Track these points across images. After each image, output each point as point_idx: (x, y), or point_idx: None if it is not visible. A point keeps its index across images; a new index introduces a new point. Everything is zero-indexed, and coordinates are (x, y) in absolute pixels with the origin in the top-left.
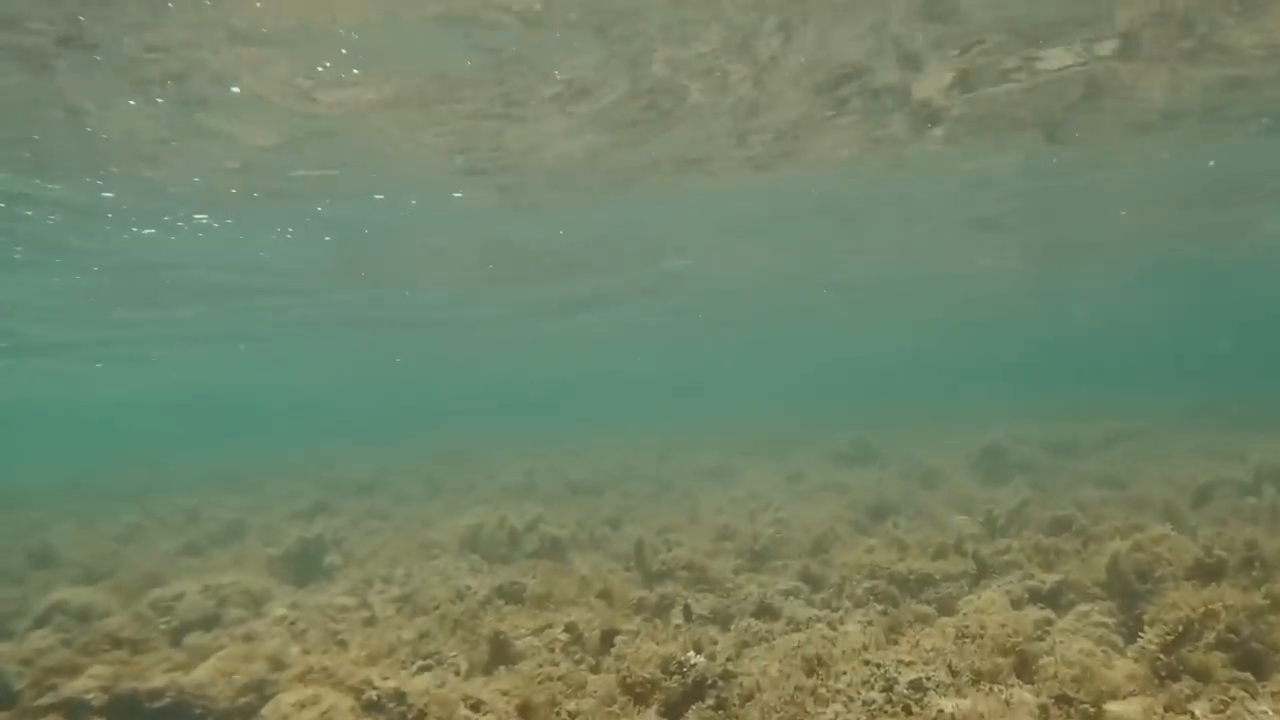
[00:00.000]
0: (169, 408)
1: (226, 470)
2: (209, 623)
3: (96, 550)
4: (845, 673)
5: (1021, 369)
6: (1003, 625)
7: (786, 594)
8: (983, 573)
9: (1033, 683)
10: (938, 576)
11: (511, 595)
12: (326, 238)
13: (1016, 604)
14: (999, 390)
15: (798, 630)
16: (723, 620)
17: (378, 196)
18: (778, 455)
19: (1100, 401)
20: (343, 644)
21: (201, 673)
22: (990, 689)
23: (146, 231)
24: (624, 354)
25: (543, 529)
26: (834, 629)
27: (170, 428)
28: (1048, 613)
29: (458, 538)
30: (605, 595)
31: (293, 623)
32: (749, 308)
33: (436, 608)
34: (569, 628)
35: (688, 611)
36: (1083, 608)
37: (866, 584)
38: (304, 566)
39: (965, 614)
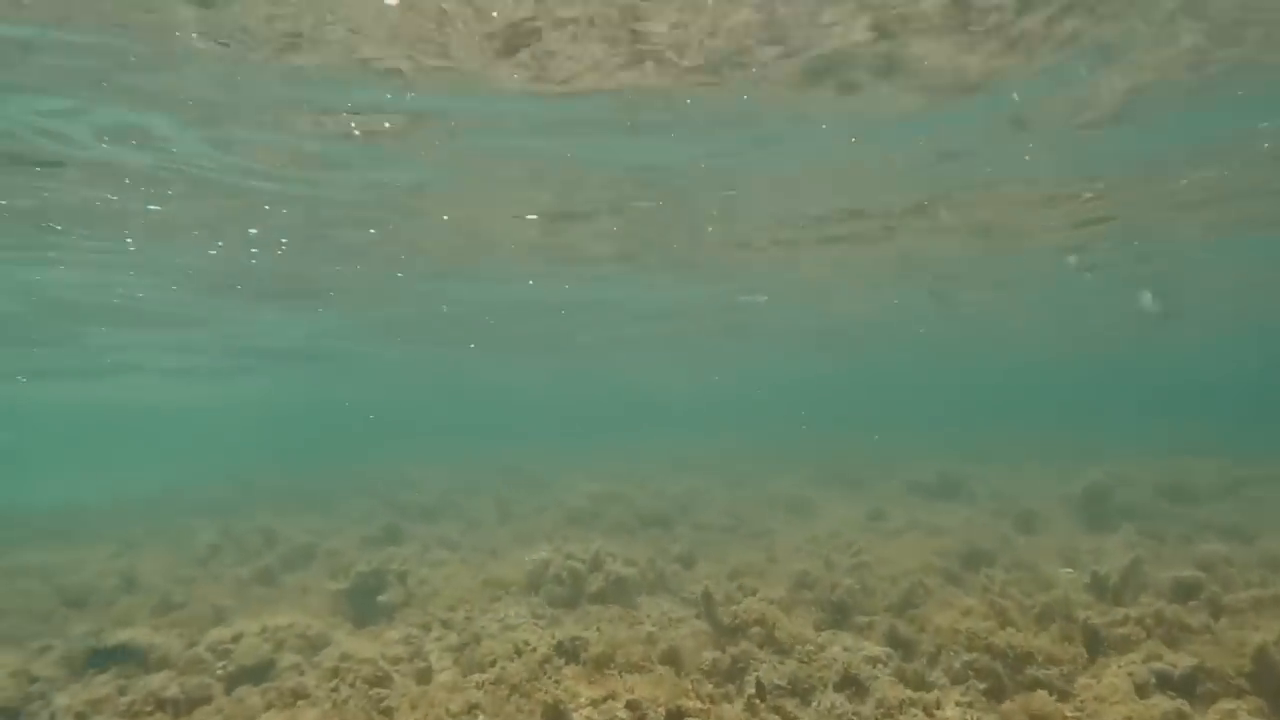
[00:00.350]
0: (255, 420)
1: (305, 486)
2: (263, 670)
3: (177, 574)
4: None
5: (1122, 399)
6: None
7: (874, 662)
8: (1096, 647)
9: None
10: (1045, 651)
11: (572, 653)
12: None
13: (1142, 690)
14: (1095, 420)
15: (889, 717)
16: (802, 693)
17: None
18: (856, 485)
19: (1212, 438)
20: (387, 714)
21: None
22: None
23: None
24: (701, 376)
25: (609, 567)
26: (931, 716)
27: (255, 440)
28: (1180, 703)
29: (523, 573)
30: (672, 657)
31: (335, 688)
32: (838, 337)
33: (493, 663)
34: (631, 705)
35: (761, 689)
36: (1226, 704)
37: (965, 657)
38: (366, 602)
39: (1082, 700)
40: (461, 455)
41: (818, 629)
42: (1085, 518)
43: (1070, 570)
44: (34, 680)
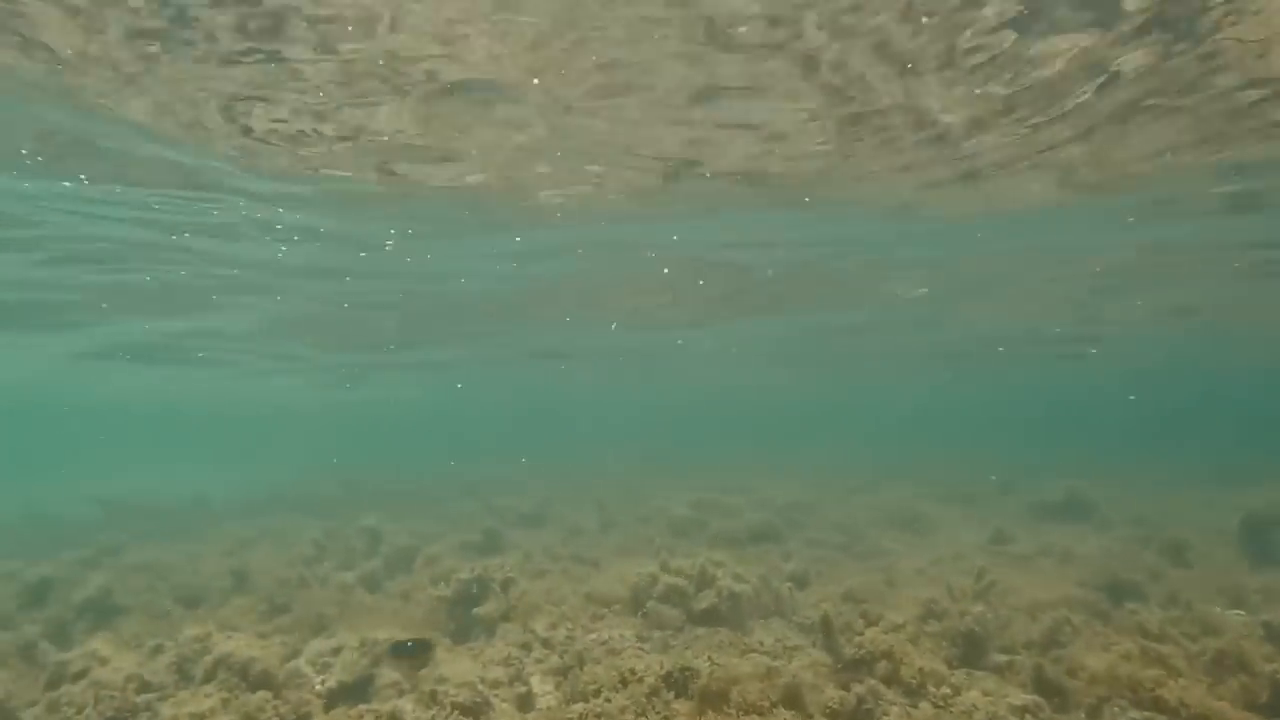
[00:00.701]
0: (364, 420)
1: (409, 487)
2: (361, 687)
3: (284, 575)
4: None
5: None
6: None
7: (1022, 713)
8: None
9: None
10: (1226, 715)
11: (681, 686)
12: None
13: None
14: (1247, 439)
15: None
16: None
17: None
18: (973, 503)
19: None
20: None
21: None
22: None
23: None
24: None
25: (721, 583)
26: None
27: (363, 439)
28: None
29: (627, 588)
30: (792, 696)
31: (434, 717)
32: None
33: (597, 693)
34: None
35: None
36: None
37: (1132, 714)
38: (466, 612)
39: None
40: (561, 460)
41: (949, 666)
42: (1247, 551)
43: (1240, 613)
44: (145, 687)
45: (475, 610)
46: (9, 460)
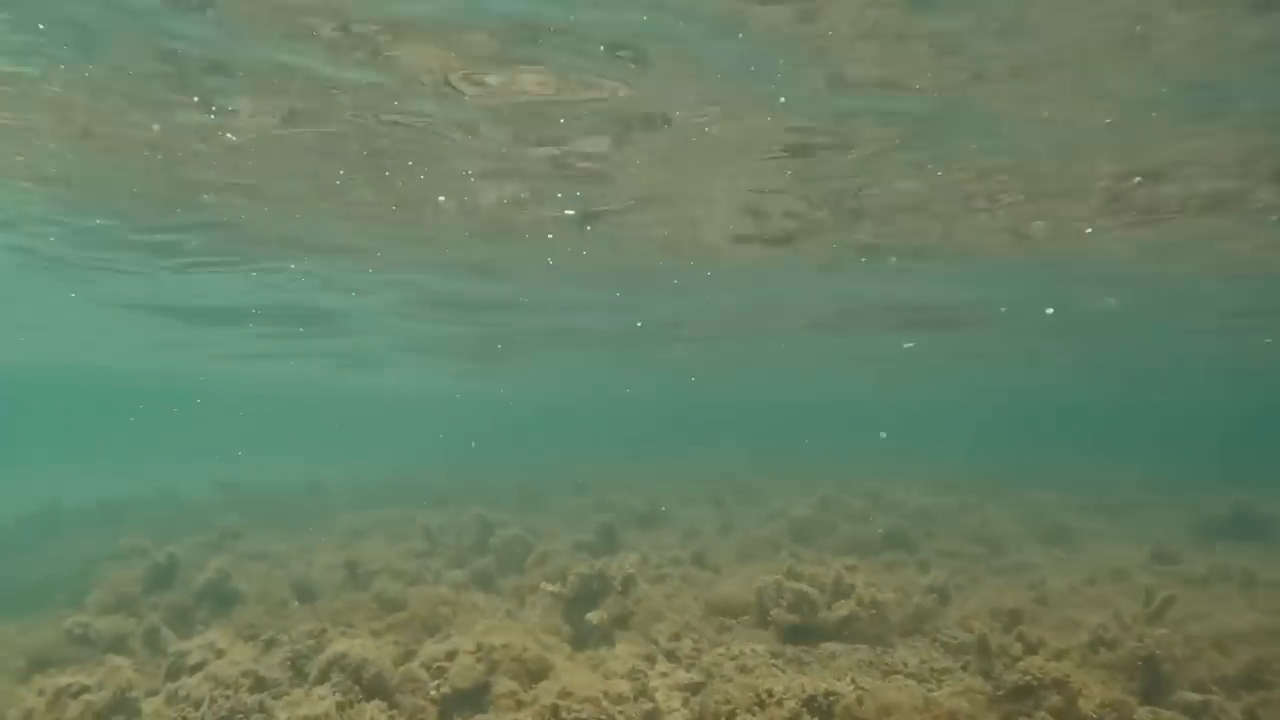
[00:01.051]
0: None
1: (524, 481)
2: (478, 694)
3: (396, 569)
4: None
5: None
6: None
7: None
8: None
9: None
10: None
11: (826, 712)
12: None
13: None
14: None
15: None
16: None
17: None
18: (1120, 515)
19: None
20: None
21: None
22: None
23: None
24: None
25: (858, 595)
26: None
27: (477, 431)
28: None
29: (752, 596)
30: None
31: None
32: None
33: (732, 715)
34: None
35: None
36: None
37: None
38: (582, 618)
39: None
40: (673, 457)
41: (1136, 704)
42: None
43: None
44: (259, 684)
45: (592, 615)
46: (145, 441)
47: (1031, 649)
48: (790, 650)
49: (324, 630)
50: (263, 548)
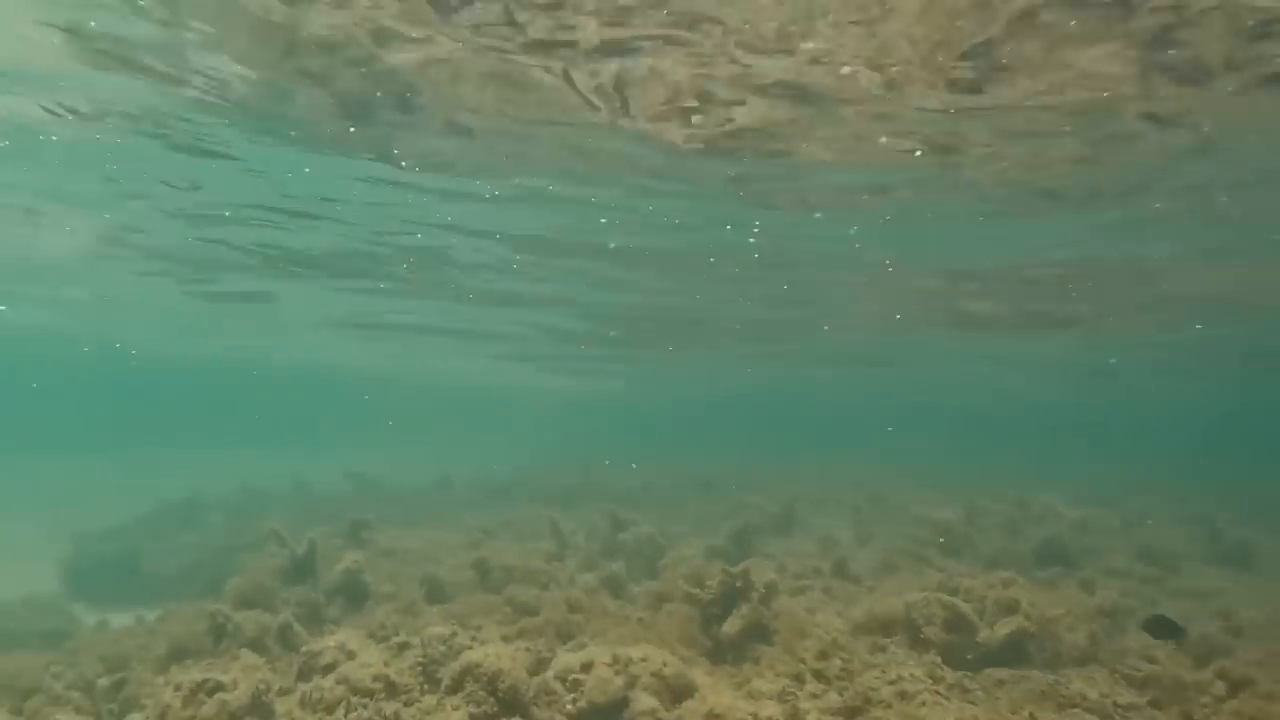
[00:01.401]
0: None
1: (652, 481)
2: (615, 711)
3: (526, 571)
4: None
5: None
6: None
7: None
8: None
9: None
10: None
11: None
12: None
13: None
14: None
15: None
16: None
17: None
18: None
19: None
20: None
21: None
22: None
23: None
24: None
25: (1025, 611)
26: None
27: (606, 428)
28: None
29: (903, 611)
30: None
31: None
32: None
33: None
34: None
35: None
36: None
37: None
38: (721, 630)
39: None
40: (801, 460)
41: None
42: None
43: None
44: (391, 689)
45: (730, 626)
46: (281, 432)
47: (1236, 688)
48: (950, 674)
49: (454, 634)
50: (391, 544)
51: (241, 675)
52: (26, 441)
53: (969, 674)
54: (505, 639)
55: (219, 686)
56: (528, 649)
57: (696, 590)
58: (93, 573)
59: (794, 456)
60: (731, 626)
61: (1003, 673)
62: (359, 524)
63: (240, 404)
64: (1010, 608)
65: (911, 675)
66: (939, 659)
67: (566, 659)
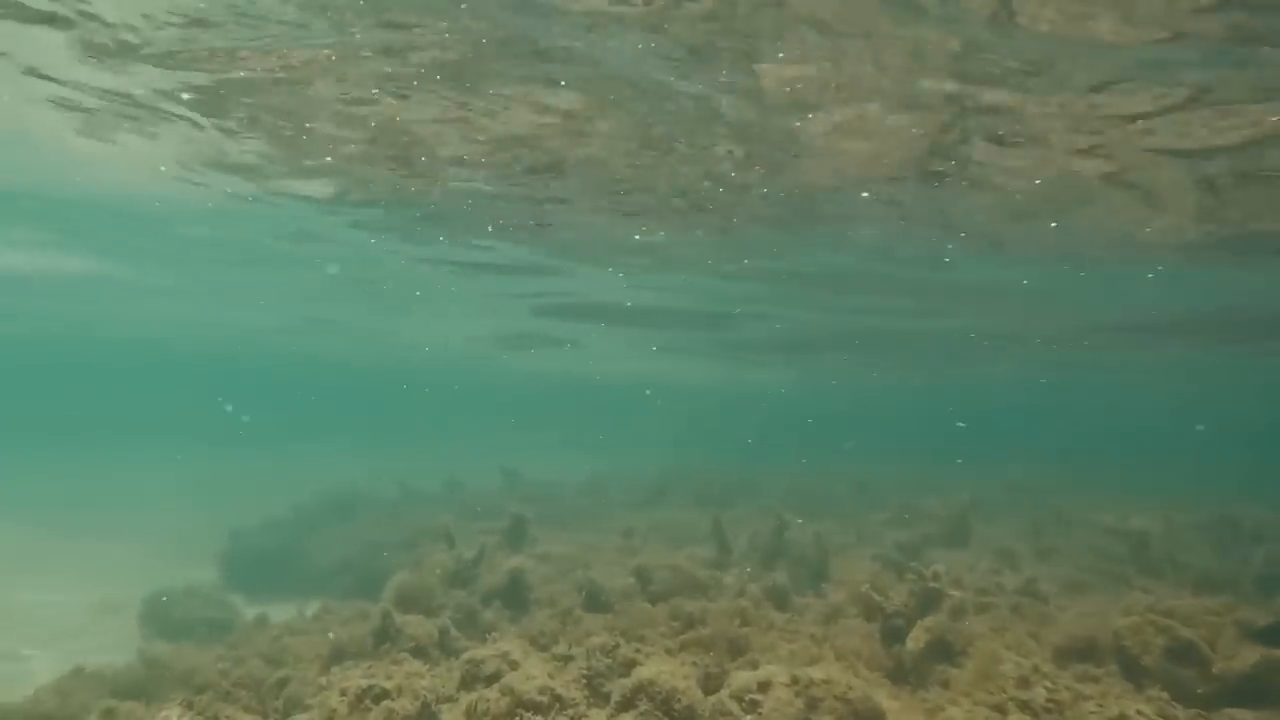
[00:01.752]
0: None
1: (802, 481)
2: None
3: (684, 579)
4: None
5: None
6: None
7: None
8: None
9: None
10: None
11: None
12: None
13: None
14: None
15: None
16: None
17: None
18: None
19: None
20: None
21: None
22: None
23: None
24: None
25: None
26: None
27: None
28: None
29: (1109, 636)
30: None
31: None
32: None
33: None
34: None
35: None
36: None
37: None
38: (903, 649)
39: None
40: (958, 462)
41: None
42: None
43: None
44: (558, 703)
45: (914, 644)
46: (434, 430)
47: None
48: (1183, 714)
49: (617, 645)
50: (545, 547)
51: (406, 682)
52: (194, 437)
53: (1202, 713)
54: (669, 652)
55: (384, 694)
56: (694, 663)
57: (880, 599)
58: (248, 564)
59: (951, 458)
60: (916, 642)
61: (1246, 715)
62: (519, 523)
63: (395, 402)
64: (1244, 637)
65: (1139, 712)
66: (1165, 694)
67: (742, 678)
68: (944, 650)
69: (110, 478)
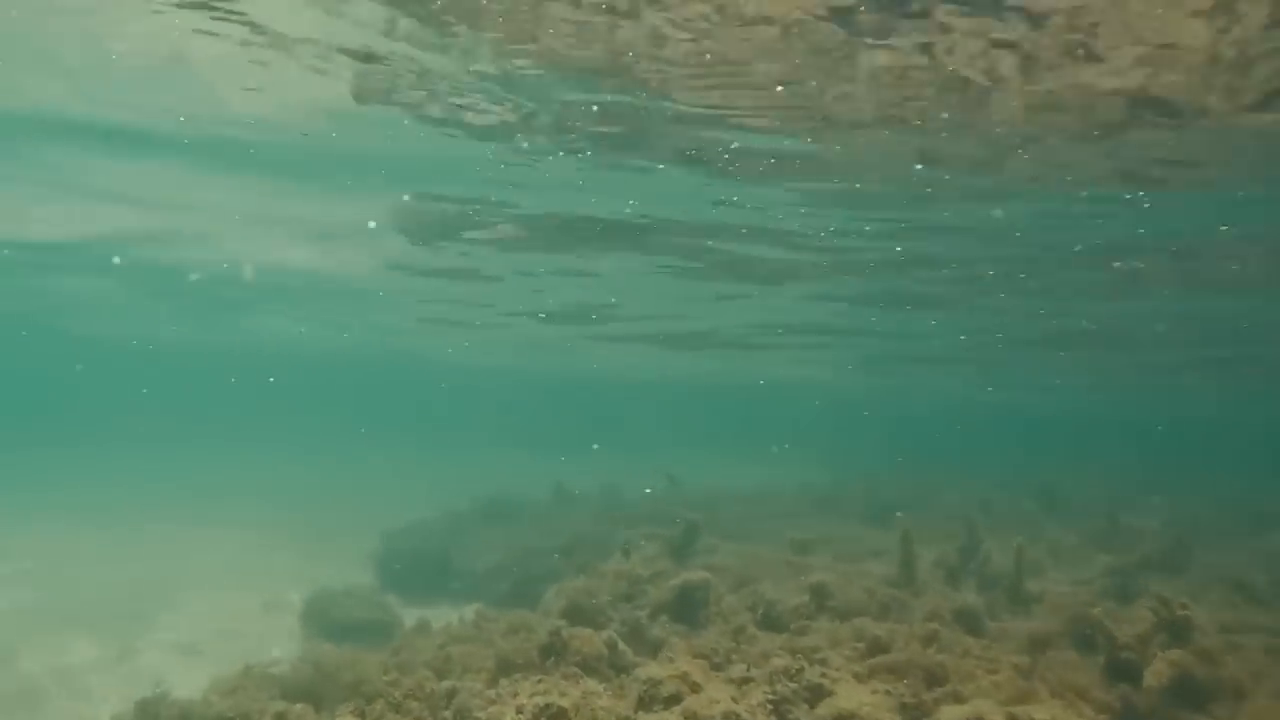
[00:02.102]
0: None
1: (973, 494)
2: None
3: (863, 598)
4: None
5: None
6: None
7: None
8: None
9: None
10: None
11: None
12: None
13: None
14: None
15: None
16: None
17: None
18: None
19: None
20: None
21: None
22: None
23: None
24: None
25: None
26: None
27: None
28: None
29: None
30: None
31: None
32: None
33: None
34: None
35: None
36: None
37: None
38: (1146, 681)
39: None
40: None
41: None
42: None
43: None
44: None
45: (1154, 680)
46: (537, 438)
47: None
48: None
49: (801, 669)
50: (711, 558)
51: (583, 701)
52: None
53: None
54: (857, 678)
55: (562, 713)
56: (886, 691)
57: (1112, 626)
58: (402, 566)
59: (1151, 473)
60: (1156, 678)
61: None
62: (690, 530)
63: (548, 409)
64: None
65: None
66: None
67: (949, 714)
68: (1191, 692)
69: (248, 478)
